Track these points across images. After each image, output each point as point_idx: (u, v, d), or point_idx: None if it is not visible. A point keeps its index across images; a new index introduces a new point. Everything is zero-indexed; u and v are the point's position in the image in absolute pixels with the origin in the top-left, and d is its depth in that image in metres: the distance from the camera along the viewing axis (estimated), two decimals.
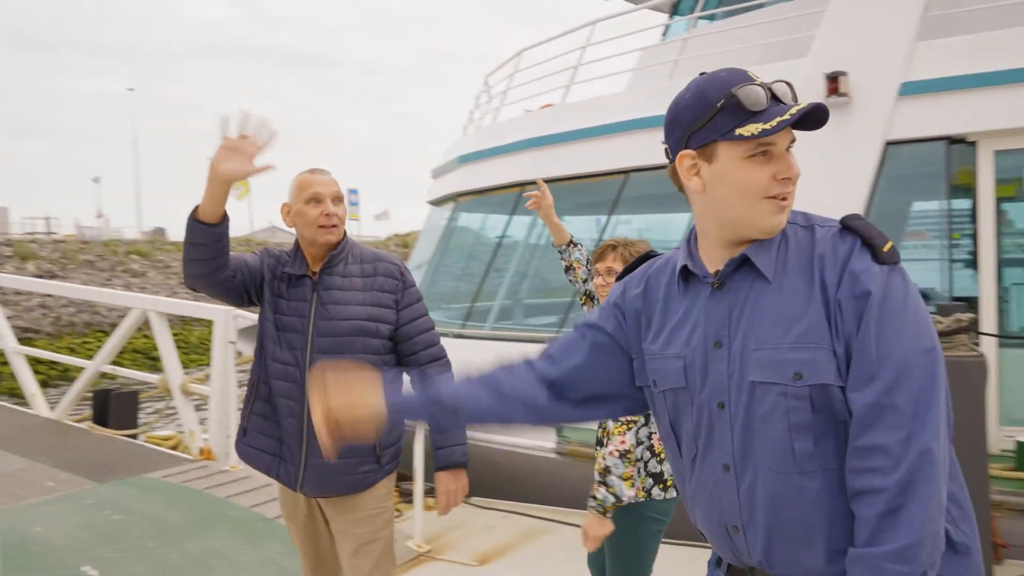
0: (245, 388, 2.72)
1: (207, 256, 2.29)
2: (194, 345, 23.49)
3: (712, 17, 8.27)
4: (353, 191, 50.38)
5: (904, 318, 1.23)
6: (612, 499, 2.50)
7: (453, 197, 8.55)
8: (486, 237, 8.76)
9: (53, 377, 17.39)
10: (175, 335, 21.26)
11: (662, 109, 5.63)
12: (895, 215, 6.40)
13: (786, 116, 1.25)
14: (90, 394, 7.30)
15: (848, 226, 1.30)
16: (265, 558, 4.13)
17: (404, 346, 2.51)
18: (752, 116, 1.27)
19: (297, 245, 2.51)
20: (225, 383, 5.68)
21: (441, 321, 8.43)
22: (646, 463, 2.58)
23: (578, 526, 4.98)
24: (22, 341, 20.32)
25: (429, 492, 5.73)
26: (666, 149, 1.41)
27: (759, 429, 1.30)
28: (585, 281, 3.02)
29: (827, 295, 1.26)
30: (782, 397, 1.27)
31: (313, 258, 2.49)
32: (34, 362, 7.14)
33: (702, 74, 1.37)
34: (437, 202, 9.21)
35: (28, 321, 21.40)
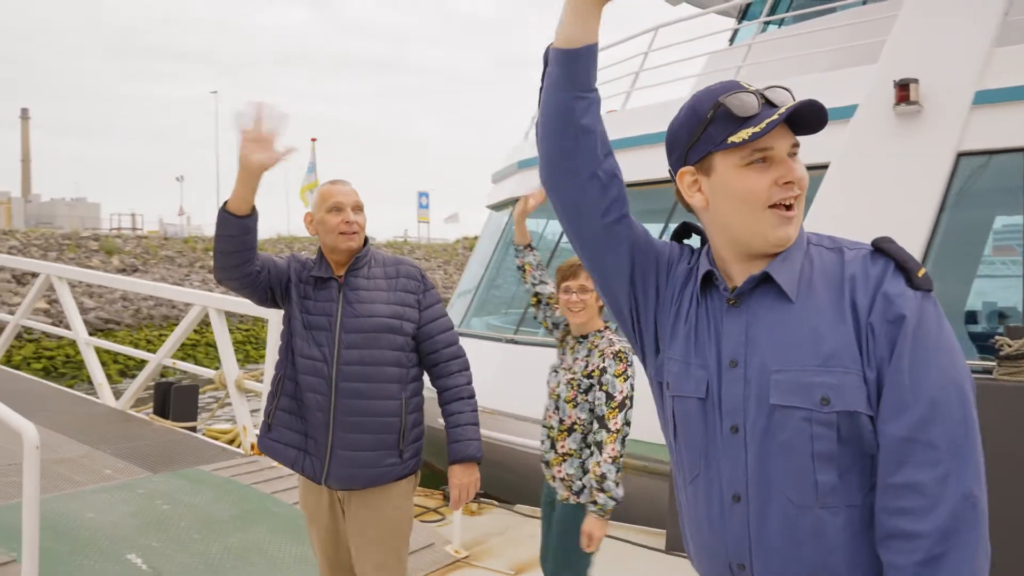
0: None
1: (235, 248, 2.38)
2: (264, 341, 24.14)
3: (781, 22, 8.05)
4: (424, 194, 50.94)
5: (940, 348, 1.17)
6: (612, 503, 2.68)
7: (511, 202, 8.55)
8: (547, 242, 8.72)
9: (131, 368, 18.13)
10: (247, 332, 21.67)
11: None
12: (970, 229, 6.08)
13: (775, 116, 1.19)
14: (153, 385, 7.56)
15: (881, 248, 1.24)
16: (302, 555, 4.18)
17: (425, 345, 2.60)
18: (744, 122, 1.23)
19: (321, 252, 2.61)
20: None
21: (496, 326, 8.44)
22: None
23: (623, 540, 4.93)
24: (104, 332, 21.16)
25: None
26: (670, 171, 1.37)
27: (778, 457, 1.22)
28: (535, 285, 3.16)
29: (858, 317, 1.20)
30: (806, 423, 1.19)
31: (336, 264, 2.60)
32: (114, 353, 7.45)
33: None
34: (496, 207, 9.22)
35: (110, 313, 22.36)
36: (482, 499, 6.00)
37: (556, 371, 2.96)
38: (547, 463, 2.95)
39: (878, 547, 1.17)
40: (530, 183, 8.25)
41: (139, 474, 5.19)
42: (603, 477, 2.67)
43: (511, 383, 7.13)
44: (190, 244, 30.33)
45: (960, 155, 5.17)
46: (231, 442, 6.80)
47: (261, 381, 6.09)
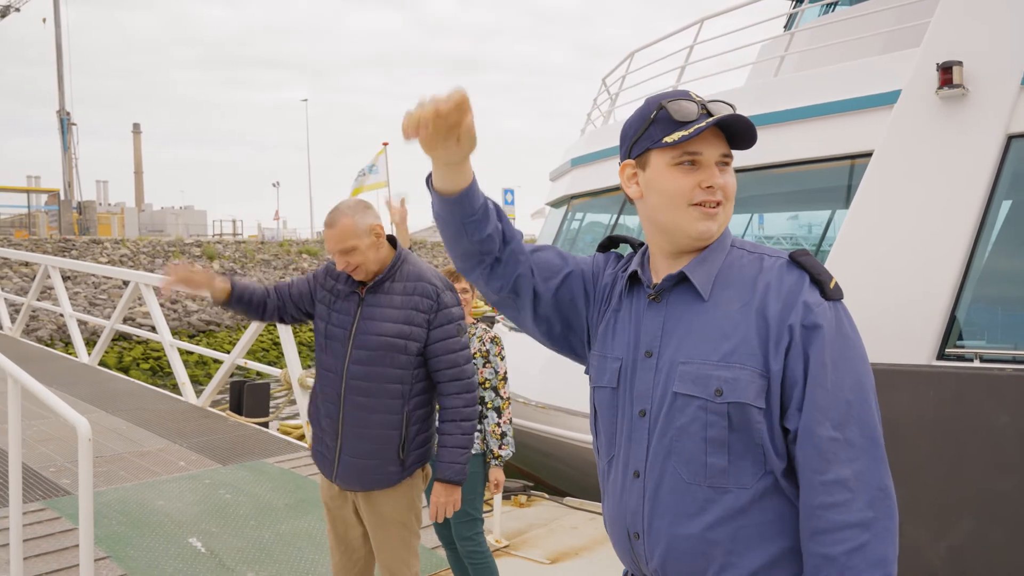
0: None
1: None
2: None
3: (834, 5, 7.84)
4: (509, 191, 51.28)
5: (853, 354, 1.30)
6: (509, 455, 3.40)
7: (567, 199, 8.66)
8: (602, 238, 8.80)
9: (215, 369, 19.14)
10: (311, 332, 22.14)
11: (775, 104, 5.57)
12: None
13: (702, 124, 1.33)
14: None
15: (796, 261, 1.35)
16: None
17: (430, 363, 2.68)
18: (679, 126, 1.35)
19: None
20: None
21: None
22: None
23: None
24: (206, 333, 22.24)
25: (512, 492, 5.90)
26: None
27: (675, 439, 1.35)
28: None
29: (767, 321, 1.31)
30: (702, 411, 1.33)
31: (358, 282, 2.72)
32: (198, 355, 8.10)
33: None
34: (554, 203, 9.35)
35: (211, 315, 23.63)
36: (532, 491, 6.16)
37: None
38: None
39: (809, 542, 1.27)
40: (584, 180, 8.35)
41: (209, 465, 5.62)
42: (504, 435, 3.42)
43: (561, 377, 7.26)
44: (285, 247, 31.67)
45: (1011, 137, 4.97)
46: (300, 437, 7.20)
47: None
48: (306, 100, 56.37)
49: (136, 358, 20.13)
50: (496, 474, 3.42)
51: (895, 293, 5.14)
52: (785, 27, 8.59)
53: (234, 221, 46.95)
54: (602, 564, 4.66)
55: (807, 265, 1.33)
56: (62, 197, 35.77)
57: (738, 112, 1.35)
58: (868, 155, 5.55)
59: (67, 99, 35.56)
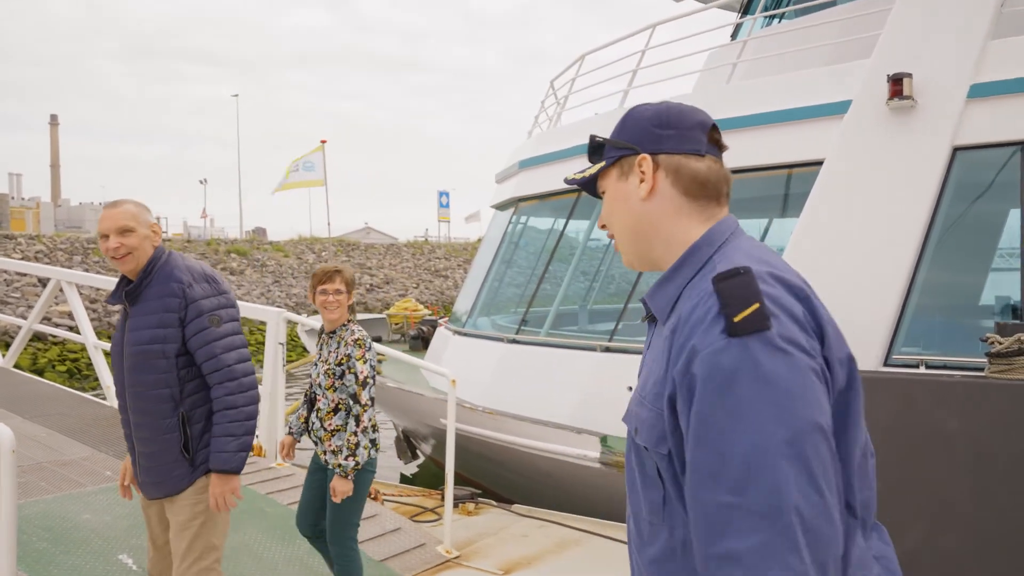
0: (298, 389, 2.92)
1: None
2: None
3: (781, 16, 7.97)
4: (444, 193, 51.05)
5: (753, 404, 1.01)
6: (352, 464, 3.29)
7: (513, 202, 8.56)
8: (551, 243, 8.73)
9: None
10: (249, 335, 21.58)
11: (725, 111, 5.54)
12: (971, 224, 6.00)
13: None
14: None
15: (715, 284, 1.11)
16: (291, 556, 4.23)
17: (195, 357, 2.66)
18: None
19: (121, 276, 2.76)
20: (275, 382, 5.86)
21: (502, 326, 8.45)
22: (367, 433, 3.37)
23: (614, 539, 4.92)
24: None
25: (460, 500, 5.75)
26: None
27: (628, 470, 1.29)
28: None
29: (669, 361, 1.13)
30: (633, 445, 1.25)
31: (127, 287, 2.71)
32: None
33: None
34: (499, 206, 9.24)
35: None
36: (480, 499, 6.03)
37: (316, 364, 3.51)
38: (319, 439, 3.48)
39: None
40: (531, 183, 8.26)
41: None
42: (356, 445, 3.31)
43: (511, 383, 7.15)
44: (212, 246, 30.69)
45: (956, 149, 5.09)
46: None
47: (259, 384, 6.16)
48: (237, 95, 54.70)
49: (52, 360, 19.15)
50: (336, 482, 3.31)
51: (842, 300, 5.20)
52: (732, 36, 8.70)
53: (158, 218, 45.24)
54: (555, 574, 4.55)
55: (721, 291, 1.09)
56: None
57: None
58: (815, 164, 5.61)
59: None
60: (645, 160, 1.26)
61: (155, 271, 2.67)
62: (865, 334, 5.08)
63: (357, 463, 3.31)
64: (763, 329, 1.04)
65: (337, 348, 3.42)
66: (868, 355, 5.04)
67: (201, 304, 2.65)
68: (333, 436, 3.42)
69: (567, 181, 1.43)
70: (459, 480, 6.61)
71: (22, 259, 23.18)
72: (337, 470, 3.33)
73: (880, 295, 5.14)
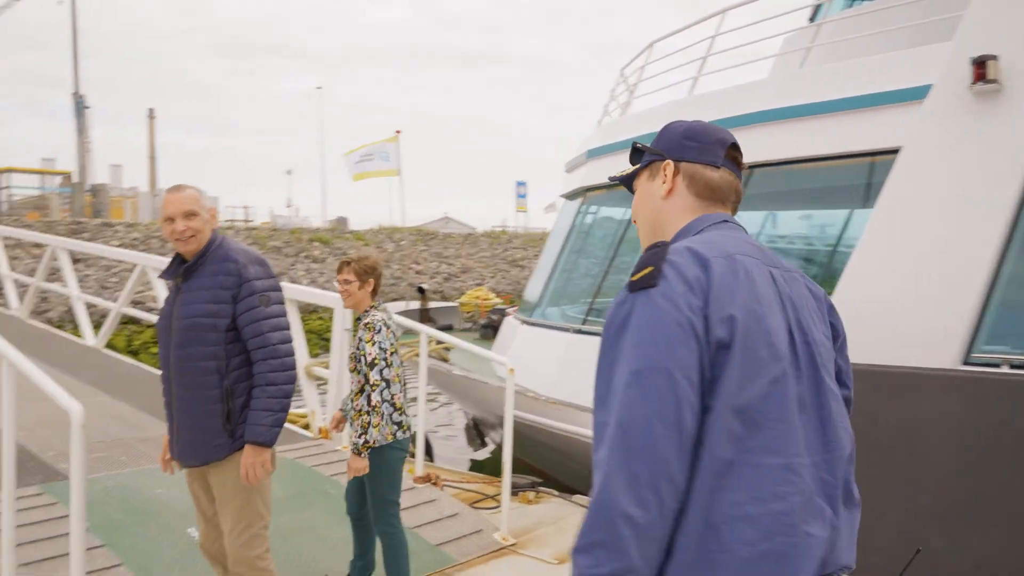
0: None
1: None
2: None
3: None
4: (522, 183, 51.05)
5: (620, 345, 1.28)
6: (363, 442, 3.46)
7: (581, 192, 8.51)
8: (620, 233, 8.64)
9: None
10: (318, 320, 22.06)
11: (797, 97, 5.36)
12: None
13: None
14: None
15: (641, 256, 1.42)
16: (348, 537, 4.34)
17: (242, 334, 2.81)
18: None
19: (175, 255, 2.93)
20: (340, 368, 6.01)
21: (571, 316, 8.43)
22: (390, 415, 3.53)
23: None
24: None
25: (520, 488, 5.78)
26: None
27: None
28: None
29: None
30: None
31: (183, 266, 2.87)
32: None
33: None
34: (568, 196, 9.19)
35: None
36: (541, 488, 6.04)
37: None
38: (350, 420, 3.61)
39: None
40: (600, 172, 8.18)
41: None
42: (367, 424, 3.46)
43: (576, 373, 7.12)
44: (296, 235, 31.59)
45: None
46: (305, 427, 7.09)
47: (328, 368, 6.33)
48: (320, 88, 56.15)
49: (146, 342, 20.11)
50: (350, 459, 3.53)
51: (920, 295, 4.98)
52: (811, 19, 8.39)
53: (245, 208, 46.97)
54: None
55: (640, 259, 1.36)
56: (75, 179, 35.83)
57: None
58: (891, 152, 5.37)
59: (82, 83, 35.62)
60: (668, 165, 1.54)
61: (211, 252, 2.84)
62: (943, 330, 4.84)
63: (367, 441, 3.46)
64: (649, 287, 1.29)
65: (359, 332, 3.63)
66: (945, 352, 4.81)
67: (254, 284, 2.82)
68: (359, 416, 3.57)
69: (610, 179, 1.69)
70: (522, 468, 6.65)
71: (120, 246, 24.42)
72: (352, 448, 3.53)
73: (960, 290, 4.88)
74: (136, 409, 6.65)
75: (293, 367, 2.84)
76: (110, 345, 9.89)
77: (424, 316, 14.37)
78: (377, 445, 3.51)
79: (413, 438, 3.82)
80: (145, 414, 6.48)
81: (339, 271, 3.71)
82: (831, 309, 1.52)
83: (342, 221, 44.26)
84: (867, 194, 5.98)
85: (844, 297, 5.16)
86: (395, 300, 26.74)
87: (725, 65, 7.23)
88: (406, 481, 5.33)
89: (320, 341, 16.62)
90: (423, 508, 4.94)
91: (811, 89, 6.07)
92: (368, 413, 3.48)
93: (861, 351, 4.49)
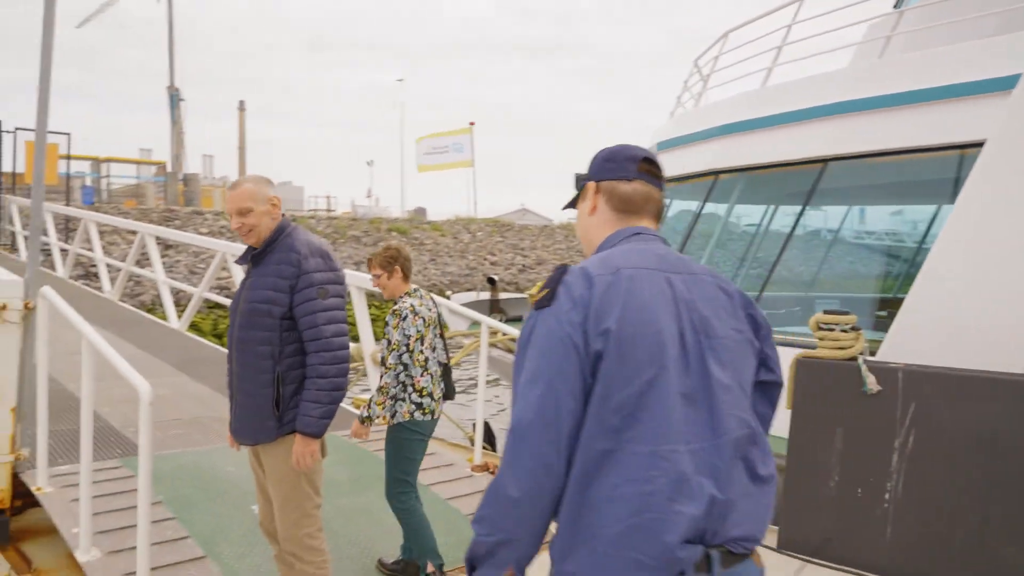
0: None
1: None
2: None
3: None
4: None
5: (522, 356, 1.54)
6: (365, 415, 3.70)
7: None
8: (706, 227, 8.50)
9: None
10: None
11: (876, 88, 5.22)
12: None
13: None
14: None
15: None
16: None
17: (298, 324, 2.89)
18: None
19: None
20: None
21: None
22: (409, 397, 3.72)
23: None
24: None
25: None
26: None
27: None
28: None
29: None
30: None
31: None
32: None
33: None
34: None
35: None
36: None
37: None
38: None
39: None
40: (670, 165, 8.06)
41: None
42: (370, 400, 3.71)
43: None
44: (375, 224, 32.24)
45: None
46: None
47: None
48: (401, 80, 56.94)
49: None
50: (353, 425, 3.81)
51: (1001, 295, 4.74)
52: (895, 5, 8.05)
53: (328, 197, 48.20)
54: None
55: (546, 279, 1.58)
56: (169, 169, 37.45)
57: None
58: (976, 145, 5.12)
59: (177, 76, 37.14)
60: (591, 186, 1.76)
61: (278, 241, 2.95)
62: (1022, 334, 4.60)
63: (368, 415, 3.70)
64: (545, 306, 1.53)
65: (386, 318, 3.82)
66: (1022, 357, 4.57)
67: (313, 276, 2.88)
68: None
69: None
70: None
71: (208, 233, 25.43)
72: (360, 415, 3.79)
73: None
74: (213, 390, 6.94)
75: (345, 360, 2.90)
76: (195, 328, 10.35)
77: (494, 307, 14.47)
78: (376, 420, 3.72)
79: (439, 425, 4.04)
80: (221, 395, 6.75)
81: (368, 268, 3.89)
82: (749, 303, 1.68)
83: (421, 212, 44.89)
84: (955, 189, 5.73)
85: (920, 297, 4.95)
86: (468, 290, 27.02)
87: (802, 54, 7.01)
88: (463, 469, 5.41)
89: None
90: (479, 497, 5.00)
91: (893, 79, 5.83)
92: (379, 391, 3.69)
93: (937, 354, 4.31)
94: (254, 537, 4.00)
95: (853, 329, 4.21)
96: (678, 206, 8.76)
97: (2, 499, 4.28)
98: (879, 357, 4.86)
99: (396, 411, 3.73)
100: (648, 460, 1.44)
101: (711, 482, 1.47)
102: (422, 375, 3.75)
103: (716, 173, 7.06)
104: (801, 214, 6.34)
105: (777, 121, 6.29)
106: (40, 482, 4.32)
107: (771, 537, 4.76)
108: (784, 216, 7.49)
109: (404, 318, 3.70)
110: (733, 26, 7.74)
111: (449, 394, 4.01)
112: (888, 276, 8.30)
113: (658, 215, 1.75)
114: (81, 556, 3.65)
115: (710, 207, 7.62)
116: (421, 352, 3.75)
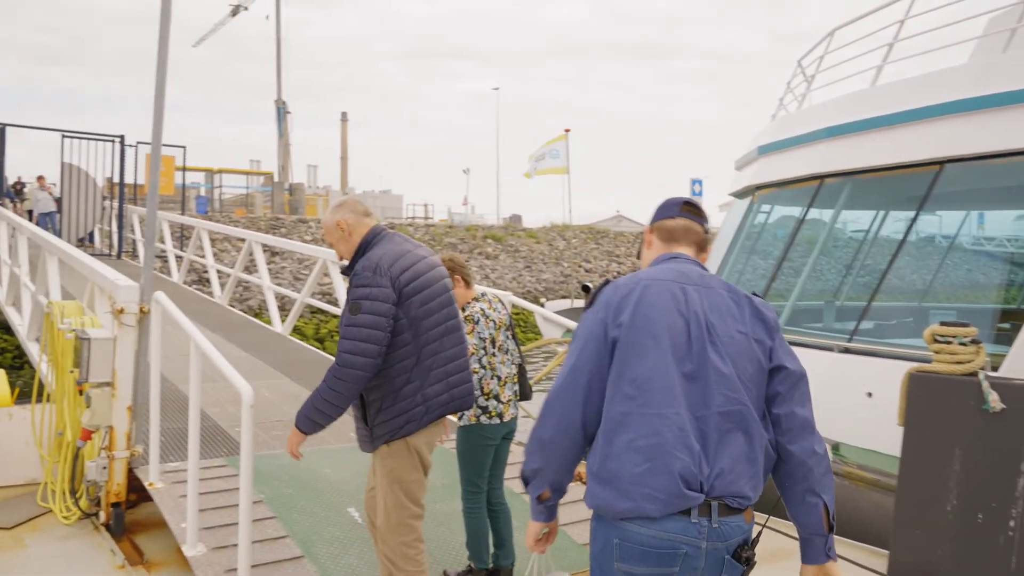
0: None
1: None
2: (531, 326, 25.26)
3: None
4: (697, 181, 49.96)
5: (572, 343, 2.15)
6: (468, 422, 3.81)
7: (751, 190, 8.14)
8: (803, 234, 8.20)
9: None
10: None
11: (995, 85, 4.96)
12: None
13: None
14: None
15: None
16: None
17: None
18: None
19: None
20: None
21: None
22: (476, 399, 3.68)
23: (841, 557, 4.55)
24: None
25: None
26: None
27: None
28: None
29: None
30: None
31: None
32: None
33: None
34: (738, 194, 8.83)
35: None
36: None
37: None
38: None
39: None
40: (772, 169, 7.80)
41: None
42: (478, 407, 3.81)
43: None
44: (471, 231, 32.64)
45: None
46: (472, 419, 7.29)
47: None
48: (497, 89, 57.67)
49: (332, 330, 21.55)
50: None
51: None
52: None
53: (425, 205, 49.15)
54: None
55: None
56: (276, 179, 39.05)
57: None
58: None
59: (284, 90, 38.72)
60: (647, 228, 2.32)
61: (359, 259, 3.10)
62: None
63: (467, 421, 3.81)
64: (588, 308, 2.11)
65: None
66: None
67: (355, 291, 2.99)
68: None
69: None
70: None
71: (311, 241, 26.38)
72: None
73: None
74: None
75: (353, 378, 2.92)
76: (298, 332, 10.71)
77: None
78: (467, 424, 3.81)
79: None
80: None
81: None
82: (757, 310, 2.08)
83: (516, 219, 45.16)
84: None
85: None
86: (563, 297, 26.94)
87: (915, 51, 6.65)
88: None
89: None
90: (571, 507, 4.93)
91: (1018, 74, 5.45)
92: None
93: None
94: (348, 539, 4.07)
95: (973, 342, 3.93)
96: (780, 211, 8.46)
97: (119, 493, 4.52)
98: (1002, 372, 4.54)
99: (463, 415, 3.82)
100: (659, 420, 1.91)
101: (699, 441, 1.92)
102: (491, 378, 3.82)
103: (821, 177, 6.77)
104: (915, 219, 5.99)
105: (889, 121, 5.97)
106: (152, 477, 4.54)
107: (881, 561, 4.50)
108: (895, 222, 7.11)
109: (477, 322, 3.80)
110: (840, 24, 7.42)
111: (525, 395, 4.01)
112: (1011, 286, 7.77)
113: (699, 244, 2.21)
114: (188, 551, 3.80)
115: (814, 212, 7.32)
116: (494, 355, 3.83)
